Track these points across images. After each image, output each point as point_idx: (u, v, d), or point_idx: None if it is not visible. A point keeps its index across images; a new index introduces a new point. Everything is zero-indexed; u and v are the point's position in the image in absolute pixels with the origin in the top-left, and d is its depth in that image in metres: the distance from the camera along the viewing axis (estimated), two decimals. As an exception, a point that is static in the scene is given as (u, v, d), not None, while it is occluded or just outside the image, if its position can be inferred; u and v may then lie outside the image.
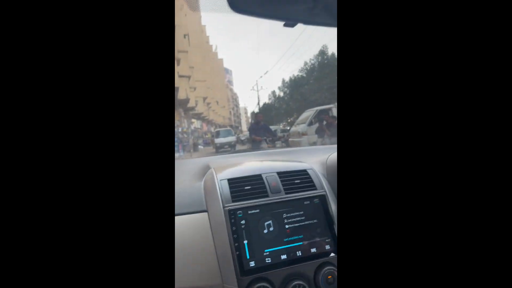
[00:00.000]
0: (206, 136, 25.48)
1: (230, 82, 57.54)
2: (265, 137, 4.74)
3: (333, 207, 0.66)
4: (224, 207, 0.59)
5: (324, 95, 14.88)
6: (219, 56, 42.30)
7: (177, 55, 13.96)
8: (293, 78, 16.26)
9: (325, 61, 15.24)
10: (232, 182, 0.64)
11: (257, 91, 37.46)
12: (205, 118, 27.62)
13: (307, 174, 0.70)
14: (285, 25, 0.56)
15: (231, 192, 0.61)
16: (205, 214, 0.60)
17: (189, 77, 15.36)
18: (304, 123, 7.78)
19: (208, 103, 26.55)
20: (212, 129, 35.63)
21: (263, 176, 0.66)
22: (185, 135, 14.00)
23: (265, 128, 4.95)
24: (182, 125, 16.22)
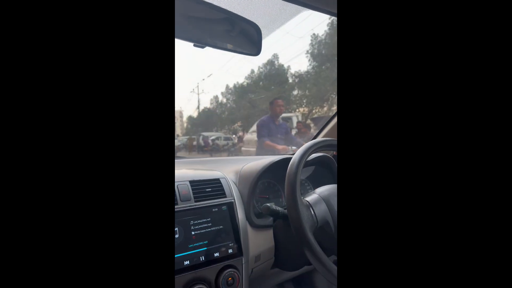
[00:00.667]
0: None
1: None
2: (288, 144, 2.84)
3: (239, 213, 0.71)
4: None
5: (274, 105, 14.57)
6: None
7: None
8: (238, 85, 15.72)
9: (273, 72, 15.31)
10: None
11: (198, 94, 35.33)
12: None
13: (219, 183, 0.74)
14: (194, 45, 0.59)
15: None
16: None
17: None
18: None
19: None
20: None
21: (175, 185, 0.67)
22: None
23: (285, 129, 2.89)
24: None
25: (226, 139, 12.27)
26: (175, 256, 0.59)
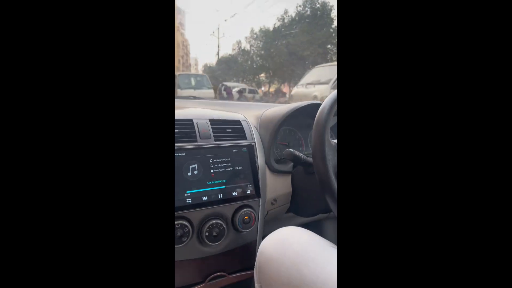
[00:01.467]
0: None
1: (181, 24, 50.06)
2: None
3: (259, 157, 0.71)
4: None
5: (317, 51, 12.30)
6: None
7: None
8: (265, 29, 13.29)
9: (318, 12, 12.51)
10: None
11: (218, 38, 31.41)
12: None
13: (240, 124, 0.73)
14: None
15: None
16: None
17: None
18: (324, 83, 5.69)
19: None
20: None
21: (194, 122, 0.67)
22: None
23: None
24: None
25: (251, 91, 10.79)
26: (194, 191, 0.61)
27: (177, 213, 0.59)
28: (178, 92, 7.39)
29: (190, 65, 57.69)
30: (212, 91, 8.65)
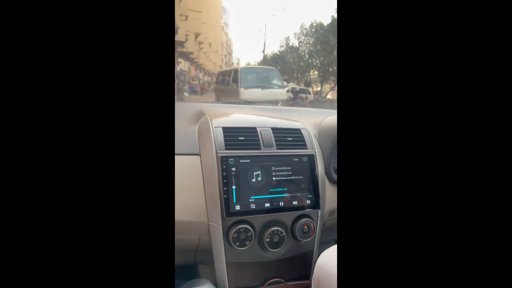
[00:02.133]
0: (194, 83, 21.78)
1: (226, 24, 50.97)
2: None
3: (319, 166, 0.71)
4: (217, 153, 0.61)
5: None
6: (218, -11, 35.80)
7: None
8: (317, 23, 12.40)
9: None
10: (227, 130, 0.66)
11: (265, 34, 30.78)
12: (194, 60, 23.43)
13: (300, 133, 0.73)
14: None
15: (225, 140, 0.64)
16: (197, 157, 0.63)
17: (180, -5, 11.18)
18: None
19: (200, 43, 22.14)
20: (201, 76, 31.56)
21: (258, 130, 0.68)
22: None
23: None
24: (166, 63, 12.50)
25: (303, 91, 9.99)
26: (258, 197, 0.62)
27: (241, 217, 0.60)
28: (241, 92, 5.65)
29: (232, 63, 58.76)
30: (284, 91, 6.68)
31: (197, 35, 18.86)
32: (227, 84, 6.66)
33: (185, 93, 16.05)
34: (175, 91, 12.69)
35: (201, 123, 0.71)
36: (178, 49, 16.17)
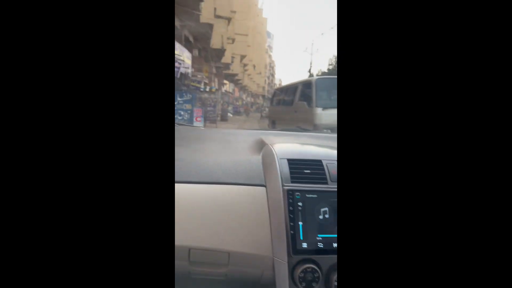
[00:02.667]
0: (237, 103, 22.13)
1: (270, 47, 52.48)
2: None
3: None
4: (283, 186, 0.59)
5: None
6: (264, 15, 37.19)
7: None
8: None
9: None
10: (292, 163, 0.64)
11: (311, 54, 30.67)
12: (239, 81, 24.03)
13: None
14: None
15: (291, 173, 0.62)
16: (263, 188, 0.61)
17: (228, 19, 11.51)
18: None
19: (245, 65, 22.70)
20: (244, 97, 32.35)
21: (324, 163, 0.65)
22: (213, 98, 10.56)
23: None
24: (211, 84, 12.75)
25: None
26: (326, 236, 0.58)
27: (307, 256, 0.56)
28: (318, 114, 3.64)
29: (275, 84, 59.66)
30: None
31: (242, 57, 19.34)
32: (291, 104, 4.65)
33: (229, 114, 16.25)
34: (218, 114, 12.95)
35: (265, 154, 0.68)
36: (223, 71, 16.65)
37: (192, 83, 8.18)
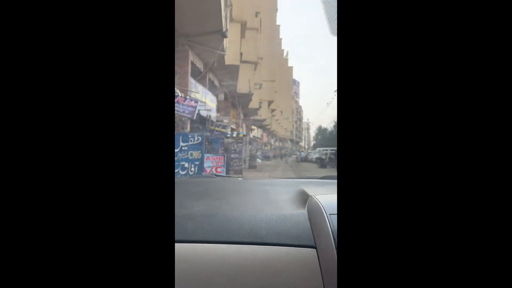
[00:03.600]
0: (266, 148, 21.30)
1: (296, 93, 53.63)
2: None
3: None
4: (337, 248, 0.52)
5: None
6: (289, 64, 38.72)
7: (245, 32, 9.94)
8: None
9: None
10: None
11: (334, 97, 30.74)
12: (266, 127, 23.60)
13: None
14: None
15: None
16: (313, 250, 0.53)
17: (255, 64, 11.26)
18: None
19: (273, 110, 22.43)
20: (273, 142, 31.90)
21: None
22: (240, 144, 9.68)
23: None
24: (239, 129, 12.04)
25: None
26: None
27: None
28: None
29: (302, 129, 59.39)
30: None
31: (270, 103, 19.05)
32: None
33: (258, 160, 15.26)
34: (245, 160, 12.05)
35: (311, 208, 0.61)
36: (251, 116, 16.21)
37: (216, 128, 7.40)
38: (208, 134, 6.97)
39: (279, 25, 27.11)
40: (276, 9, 22.69)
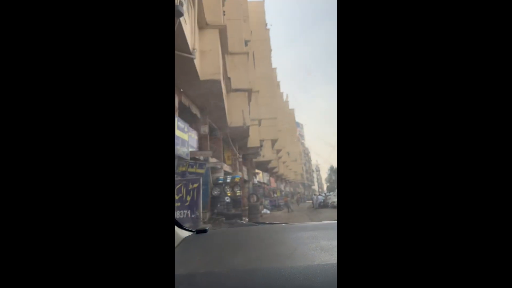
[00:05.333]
0: (275, 195, 18.43)
1: (301, 135, 52.26)
2: None
3: None
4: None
5: None
6: (290, 107, 38.04)
7: (228, 56, 8.27)
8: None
9: None
10: None
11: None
12: (273, 170, 21.11)
13: None
14: None
15: None
16: None
17: (248, 91, 9.36)
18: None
19: (278, 151, 20.21)
20: (283, 187, 29.00)
21: None
22: (237, 190, 7.14)
23: None
24: (236, 173, 9.58)
25: None
26: None
27: None
28: None
29: (313, 171, 56.32)
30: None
31: (273, 142, 16.91)
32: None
33: (265, 210, 12.44)
34: (247, 210, 9.41)
35: None
36: (252, 158, 13.90)
37: (190, 169, 5.06)
38: (178, 178, 4.60)
39: (275, 68, 26.80)
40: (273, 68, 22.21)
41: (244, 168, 12.49)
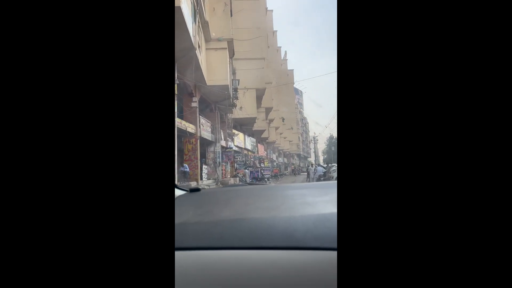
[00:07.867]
0: (262, 165, 14.58)
1: (300, 103, 47.75)
2: None
3: None
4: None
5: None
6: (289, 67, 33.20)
7: None
8: None
9: None
10: None
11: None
12: (262, 136, 17.20)
13: None
14: None
15: None
16: None
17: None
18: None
19: (268, 110, 16.11)
20: (275, 157, 25.38)
21: None
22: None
23: None
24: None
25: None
26: None
27: None
28: None
29: (310, 141, 52.76)
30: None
31: (260, 94, 12.68)
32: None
33: (244, 182, 8.65)
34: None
35: None
36: (228, 113, 9.81)
37: None
38: None
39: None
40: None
41: (207, 123, 8.39)
